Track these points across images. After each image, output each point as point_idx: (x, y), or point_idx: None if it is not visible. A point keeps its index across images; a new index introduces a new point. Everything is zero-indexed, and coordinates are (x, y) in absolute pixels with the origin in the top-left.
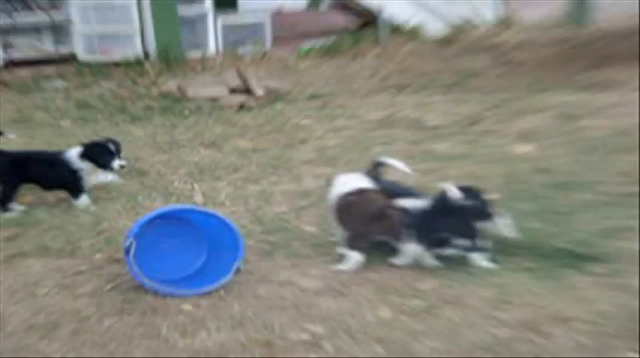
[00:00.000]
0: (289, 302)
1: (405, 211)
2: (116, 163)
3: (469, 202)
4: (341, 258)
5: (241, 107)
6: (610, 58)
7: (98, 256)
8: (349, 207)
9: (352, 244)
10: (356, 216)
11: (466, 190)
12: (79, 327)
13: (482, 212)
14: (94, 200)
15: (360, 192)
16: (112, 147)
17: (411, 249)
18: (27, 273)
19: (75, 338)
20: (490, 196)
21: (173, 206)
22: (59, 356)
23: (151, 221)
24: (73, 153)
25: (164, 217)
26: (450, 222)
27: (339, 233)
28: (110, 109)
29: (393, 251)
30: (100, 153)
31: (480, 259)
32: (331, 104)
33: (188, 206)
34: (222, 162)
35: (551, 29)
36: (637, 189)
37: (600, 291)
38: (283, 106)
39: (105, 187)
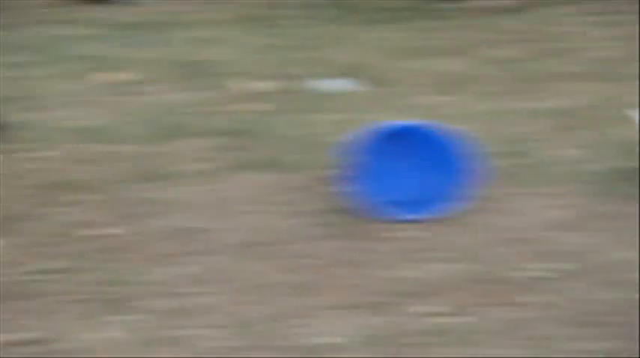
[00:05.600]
0: (528, 234)
1: None
2: None
3: None
4: None
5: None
6: None
7: (320, 172)
8: None
9: None
10: None
11: None
12: (274, 250)
13: None
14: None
15: None
16: None
17: None
18: (242, 187)
19: (266, 260)
20: None
21: (406, 122)
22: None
23: (380, 137)
24: None
25: (392, 134)
26: None
27: None
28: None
29: None
30: None
31: None
32: None
33: (418, 123)
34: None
35: None
36: None
37: None
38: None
39: (333, 97)
